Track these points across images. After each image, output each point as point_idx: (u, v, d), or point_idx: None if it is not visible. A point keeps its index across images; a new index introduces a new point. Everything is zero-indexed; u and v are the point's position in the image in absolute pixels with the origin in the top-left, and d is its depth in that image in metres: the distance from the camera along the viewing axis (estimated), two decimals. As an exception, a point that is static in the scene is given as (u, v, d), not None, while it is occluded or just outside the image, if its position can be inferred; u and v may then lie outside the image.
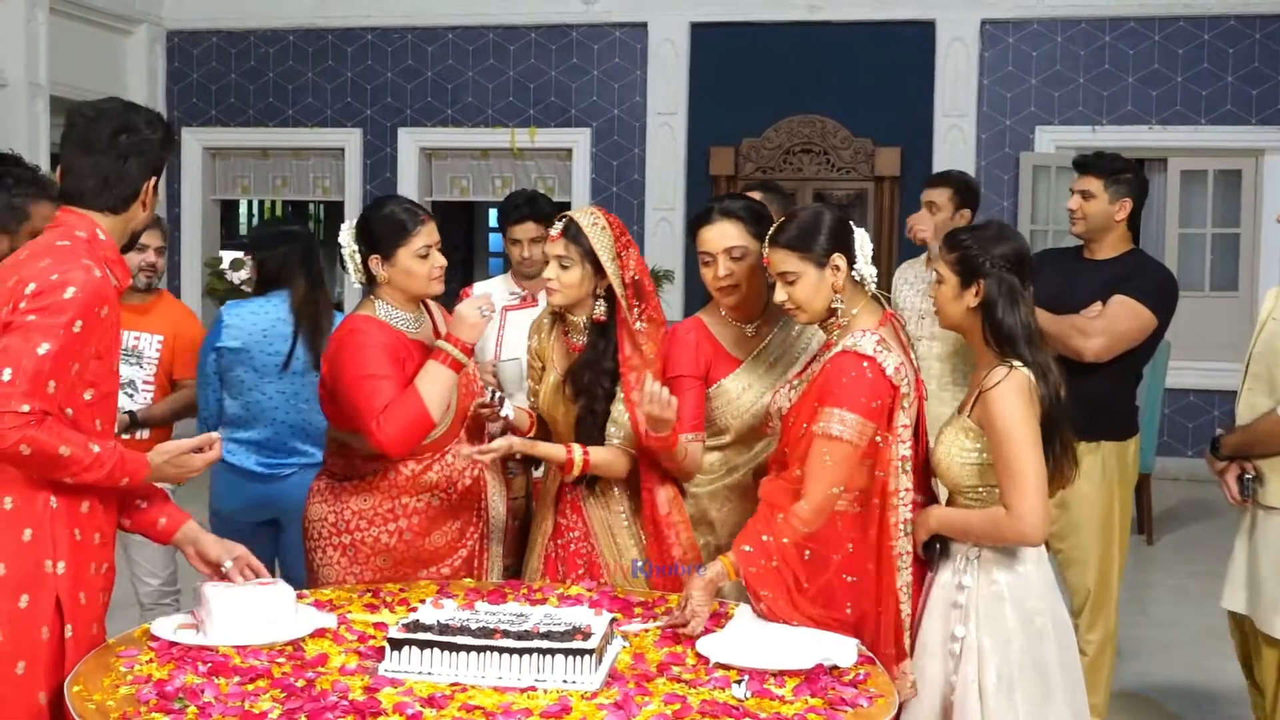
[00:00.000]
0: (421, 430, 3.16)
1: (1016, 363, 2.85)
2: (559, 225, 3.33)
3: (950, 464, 2.91)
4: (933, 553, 2.97)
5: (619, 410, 3.29)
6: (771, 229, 3.06)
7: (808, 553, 2.85)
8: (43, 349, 2.44)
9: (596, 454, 3.27)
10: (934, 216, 4.92)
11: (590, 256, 3.27)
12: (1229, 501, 3.83)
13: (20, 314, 2.47)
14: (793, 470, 2.89)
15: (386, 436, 3.10)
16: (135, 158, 2.69)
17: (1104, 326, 4.01)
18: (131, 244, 2.83)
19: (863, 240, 2.99)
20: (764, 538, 2.83)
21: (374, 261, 3.29)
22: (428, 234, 3.29)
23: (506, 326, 4.38)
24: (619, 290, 3.28)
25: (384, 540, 3.31)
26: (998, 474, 2.82)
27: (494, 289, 4.50)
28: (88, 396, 2.57)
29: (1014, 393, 2.80)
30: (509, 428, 3.42)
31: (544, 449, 3.30)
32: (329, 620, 2.77)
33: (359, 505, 3.32)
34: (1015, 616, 2.84)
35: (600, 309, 3.31)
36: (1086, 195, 4.21)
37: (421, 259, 3.27)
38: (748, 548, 2.83)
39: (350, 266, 3.35)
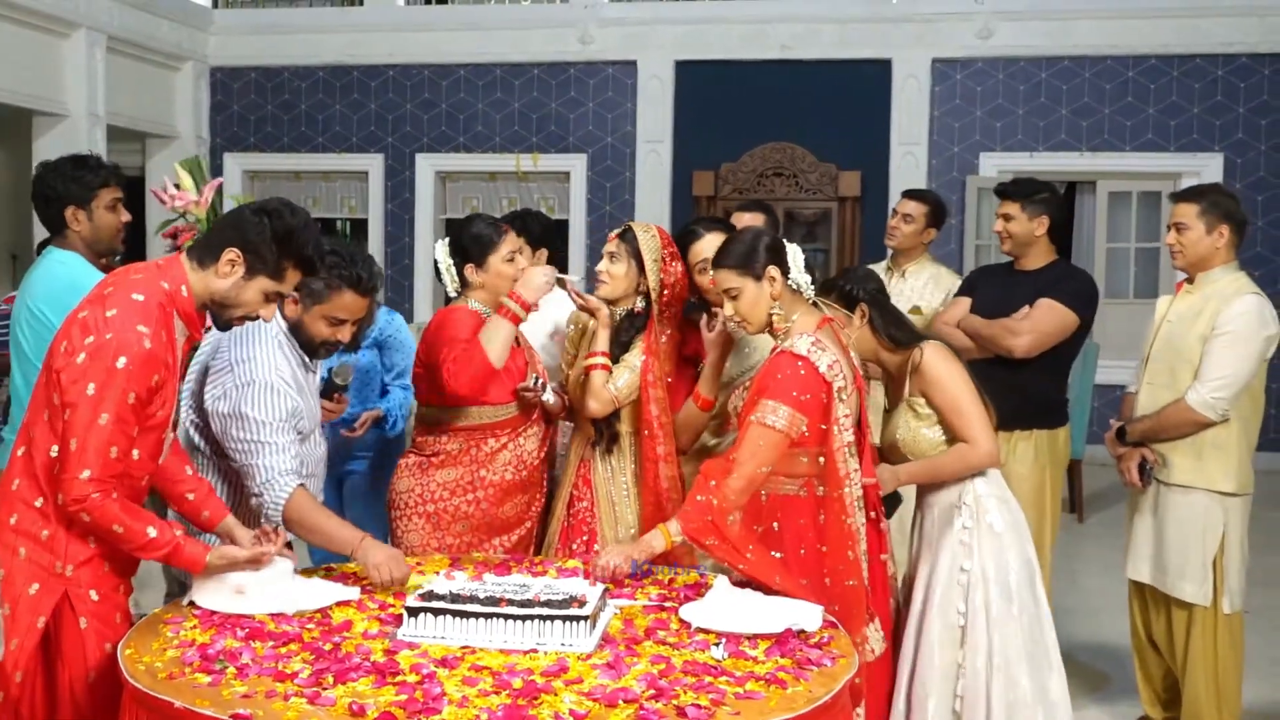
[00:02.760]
0: (484, 374, 3.27)
1: (923, 343, 3.15)
2: (618, 230, 3.46)
3: (917, 438, 3.13)
4: (892, 504, 3.20)
5: (622, 370, 3.34)
6: (714, 254, 3.09)
7: (733, 518, 2.84)
8: (103, 419, 2.41)
9: (600, 375, 3.33)
10: (905, 227, 4.87)
11: (636, 256, 3.36)
12: (1126, 484, 3.86)
13: (77, 372, 2.42)
14: (731, 454, 2.89)
15: (455, 380, 3.24)
16: (233, 224, 2.59)
17: (1030, 326, 4.01)
18: (223, 323, 2.66)
19: (794, 253, 3.02)
20: (698, 497, 2.83)
21: (469, 270, 3.43)
22: (510, 242, 3.44)
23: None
24: (653, 287, 3.36)
25: (464, 509, 3.39)
26: (950, 420, 3.08)
27: None
28: (132, 433, 2.52)
29: (938, 356, 3.11)
30: (546, 411, 3.54)
31: (603, 335, 3.38)
32: (352, 593, 2.75)
33: (444, 478, 3.40)
34: (1012, 542, 3.09)
35: (639, 304, 3.42)
36: (1008, 218, 4.21)
37: (509, 263, 3.42)
38: (687, 508, 2.85)
39: (447, 278, 3.47)
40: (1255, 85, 9.29)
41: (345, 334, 2.97)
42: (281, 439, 2.85)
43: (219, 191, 3.50)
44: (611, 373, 3.35)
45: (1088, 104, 9.51)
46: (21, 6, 8.23)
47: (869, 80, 9.64)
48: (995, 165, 9.57)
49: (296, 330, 2.95)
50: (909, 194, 5.00)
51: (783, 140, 9.58)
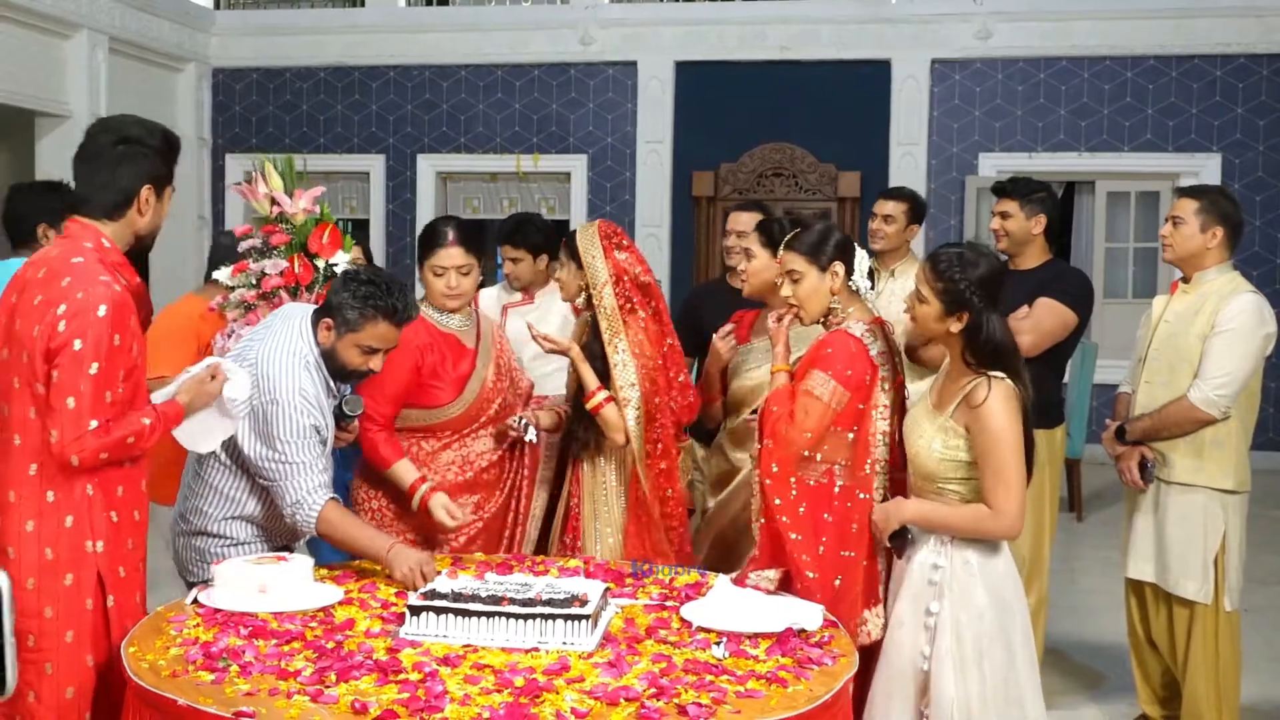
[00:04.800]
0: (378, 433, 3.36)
1: (996, 373, 2.76)
2: (565, 237, 3.48)
3: (929, 457, 2.82)
4: (901, 541, 2.87)
5: (628, 393, 3.33)
6: (789, 236, 3.18)
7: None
8: (93, 369, 2.44)
9: (611, 409, 3.33)
10: (888, 228, 4.83)
11: (575, 257, 3.38)
12: (1127, 483, 3.84)
13: (63, 337, 2.44)
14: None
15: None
16: (128, 165, 2.60)
17: (1031, 325, 3.97)
18: (141, 247, 2.72)
19: (861, 258, 3.12)
20: (773, 407, 3.00)
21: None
22: (444, 257, 3.40)
23: (508, 318, 4.51)
24: (592, 282, 3.37)
25: (403, 504, 3.37)
26: (983, 475, 2.73)
27: (494, 293, 4.68)
28: (120, 390, 2.54)
29: (1003, 402, 2.72)
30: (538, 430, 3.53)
31: (586, 371, 3.36)
32: (337, 594, 2.75)
33: (386, 475, 3.39)
34: (986, 594, 2.77)
35: (580, 300, 3.42)
36: (1005, 215, 4.16)
37: (437, 276, 3.43)
38: (782, 395, 3.01)
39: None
40: (1253, 86, 9.29)
41: (377, 363, 2.98)
42: (307, 456, 2.88)
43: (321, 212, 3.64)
44: (616, 401, 3.34)
45: (1086, 104, 9.51)
46: (23, 8, 8.22)
47: (868, 81, 9.64)
48: (994, 166, 9.56)
49: (329, 357, 2.96)
50: (885, 194, 4.94)
51: (782, 141, 9.59)
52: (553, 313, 4.45)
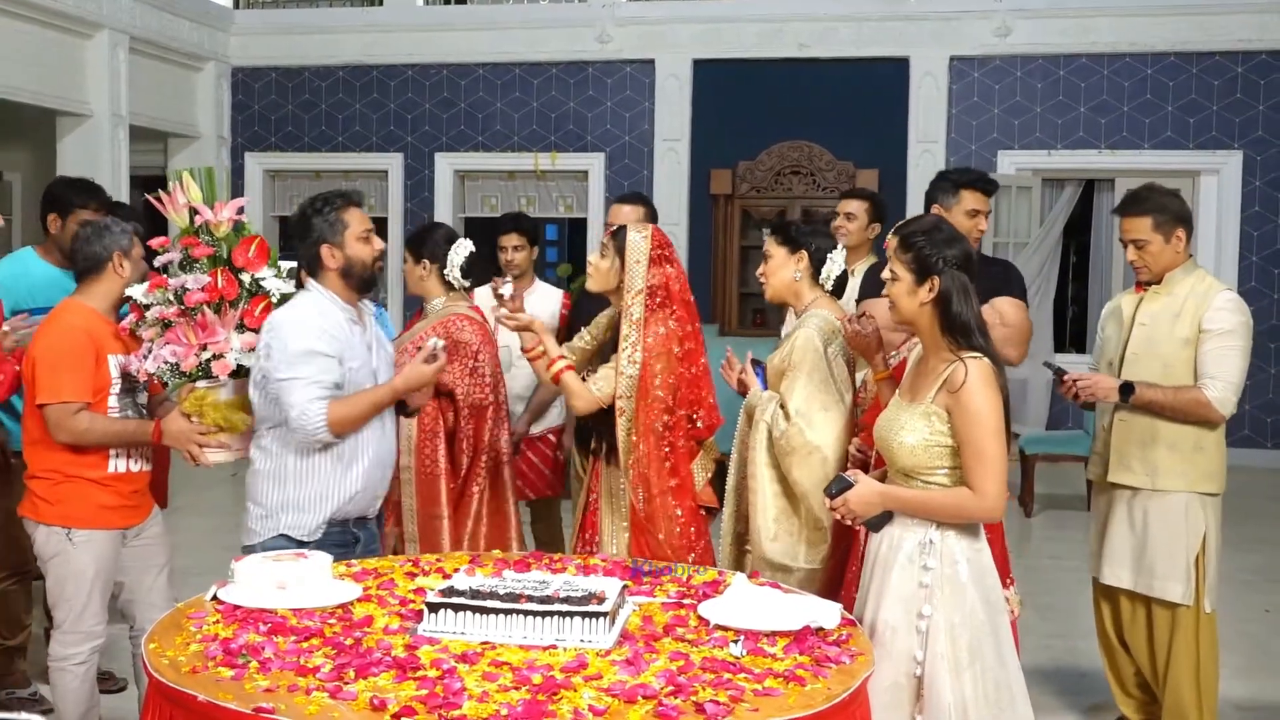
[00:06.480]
0: None
1: (973, 353, 2.70)
2: (614, 228, 3.58)
3: (915, 448, 2.71)
4: (879, 524, 2.79)
5: (606, 370, 3.45)
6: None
7: None
8: None
9: (571, 377, 3.46)
10: (850, 225, 4.86)
11: (622, 254, 3.43)
12: (1073, 391, 3.71)
13: None
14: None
15: None
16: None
17: (1015, 335, 3.76)
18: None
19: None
20: None
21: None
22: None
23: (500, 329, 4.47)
24: (629, 287, 3.39)
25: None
26: (965, 458, 2.66)
27: (488, 292, 4.56)
28: None
29: (984, 382, 2.66)
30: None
31: (550, 341, 3.51)
32: (356, 591, 2.75)
33: None
34: (976, 594, 2.71)
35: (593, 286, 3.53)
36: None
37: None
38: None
39: (458, 275, 4.07)
40: (1275, 82, 9.23)
41: (377, 241, 3.27)
42: (302, 370, 3.06)
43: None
44: (576, 370, 3.47)
45: (1106, 101, 9.46)
46: (45, 8, 8.28)
47: (886, 78, 9.62)
48: (1014, 163, 9.53)
49: (349, 271, 3.19)
50: (847, 194, 5.16)
51: (800, 139, 9.56)
52: (540, 314, 4.51)
